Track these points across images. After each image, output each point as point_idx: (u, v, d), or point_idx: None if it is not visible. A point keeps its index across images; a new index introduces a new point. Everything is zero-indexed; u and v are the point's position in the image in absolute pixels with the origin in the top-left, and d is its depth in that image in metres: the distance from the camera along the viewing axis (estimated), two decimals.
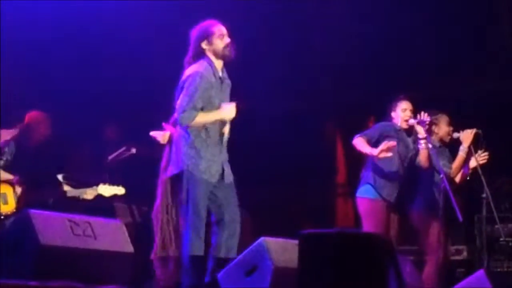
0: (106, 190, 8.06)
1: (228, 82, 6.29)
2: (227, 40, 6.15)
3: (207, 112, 6.06)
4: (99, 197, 8.14)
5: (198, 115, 6.01)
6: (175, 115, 6.14)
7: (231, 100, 6.26)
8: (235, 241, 6.08)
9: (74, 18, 9.70)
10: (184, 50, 6.32)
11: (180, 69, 6.26)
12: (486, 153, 7.87)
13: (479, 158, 7.85)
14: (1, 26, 9.02)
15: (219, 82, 6.17)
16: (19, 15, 9.49)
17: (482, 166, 7.82)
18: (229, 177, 6.17)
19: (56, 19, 9.70)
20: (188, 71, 6.13)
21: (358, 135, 7.63)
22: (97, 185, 8.06)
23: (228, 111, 6.11)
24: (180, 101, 6.05)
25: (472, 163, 7.91)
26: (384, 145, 7.38)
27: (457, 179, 8.01)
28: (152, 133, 6.66)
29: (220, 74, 6.19)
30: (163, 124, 6.54)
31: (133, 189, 8.97)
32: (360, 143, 7.53)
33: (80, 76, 10.26)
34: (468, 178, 8.03)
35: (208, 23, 6.21)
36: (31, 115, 8.42)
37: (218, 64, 6.20)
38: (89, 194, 8.11)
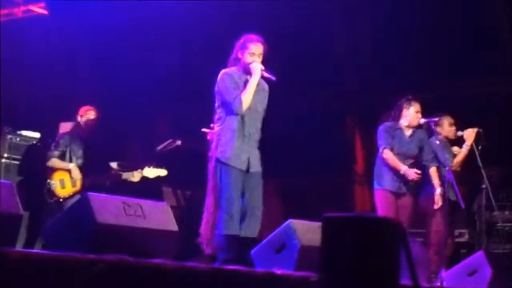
0: (151, 172, 7.97)
1: (263, 87, 6.08)
2: (255, 59, 5.93)
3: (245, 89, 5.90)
4: (149, 182, 8.05)
5: (242, 96, 5.84)
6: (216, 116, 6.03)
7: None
8: (257, 224, 5.95)
9: (130, 22, 9.67)
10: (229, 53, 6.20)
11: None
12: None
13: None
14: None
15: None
16: (81, 20, 9.50)
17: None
18: (254, 167, 5.98)
19: (114, 25, 9.67)
20: (220, 74, 6.00)
21: (383, 146, 7.46)
22: (142, 168, 7.97)
23: (255, 68, 5.89)
24: (224, 101, 5.92)
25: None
26: (416, 173, 7.32)
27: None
28: (203, 129, 6.69)
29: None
30: (211, 125, 6.49)
31: (178, 176, 8.90)
32: (391, 158, 7.39)
33: (135, 76, 10.24)
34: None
35: (249, 37, 6.00)
36: (80, 110, 8.25)
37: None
38: (136, 176, 8.01)
